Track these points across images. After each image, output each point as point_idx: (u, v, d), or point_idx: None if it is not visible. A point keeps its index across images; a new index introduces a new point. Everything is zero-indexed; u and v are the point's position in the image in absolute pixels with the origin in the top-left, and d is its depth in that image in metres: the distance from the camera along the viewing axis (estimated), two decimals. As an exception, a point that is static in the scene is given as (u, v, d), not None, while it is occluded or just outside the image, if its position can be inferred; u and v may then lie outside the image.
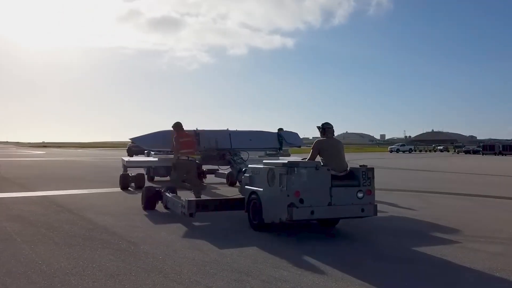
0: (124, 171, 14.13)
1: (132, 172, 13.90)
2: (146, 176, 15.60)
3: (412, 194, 12.38)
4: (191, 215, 7.16)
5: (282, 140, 11.36)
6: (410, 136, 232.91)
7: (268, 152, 11.60)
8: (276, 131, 11.66)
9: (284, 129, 11.78)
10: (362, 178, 6.58)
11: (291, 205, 6.08)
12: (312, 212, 6.20)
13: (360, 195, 6.51)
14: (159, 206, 8.81)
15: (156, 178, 15.71)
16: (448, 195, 12.18)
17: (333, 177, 6.52)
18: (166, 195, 8.42)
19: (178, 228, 7.09)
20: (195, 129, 10.40)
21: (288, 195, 6.10)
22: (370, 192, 6.59)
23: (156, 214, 8.40)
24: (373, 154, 65.33)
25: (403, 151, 75.10)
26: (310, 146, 7.37)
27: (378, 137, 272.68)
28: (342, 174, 6.69)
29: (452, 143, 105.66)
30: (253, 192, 6.99)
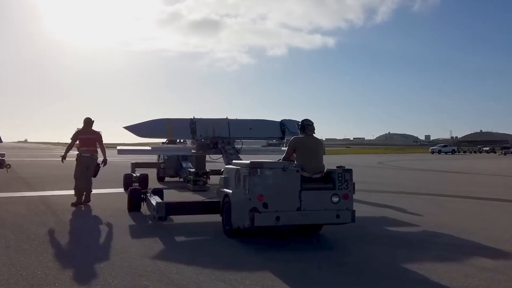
0: (132, 171, 14.03)
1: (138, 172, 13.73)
2: (157, 176, 15.49)
3: (429, 198, 11.46)
4: (160, 218, 6.74)
5: (285, 129, 10.68)
6: (456, 137, 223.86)
7: (270, 142, 11.01)
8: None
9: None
10: (338, 180, 5.91)
11: (253, 210, 5.52)
12: (278, 218, 5.59)
13: (335, 199, 5.85)
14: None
15: (166, 179, 15.50)
16: (470, 200, 11.15)
17: (306, 180, 5.90)
18: (148, 197, 8.05)
19: (152, 234, 6.64)
20: (192, 117, 10.03)
21: (250, 199, 5.55)
22: (347, 196, 5.91)
23: (140, 217, 7.98)
24: (412, 155, 62.94)
25: (445, 152, 71.96)
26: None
27: (422, 138, 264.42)
28: (317, 176, 6.05)
29: (501, 144, 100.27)
30: (226, 194, 6.44)
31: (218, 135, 9.91)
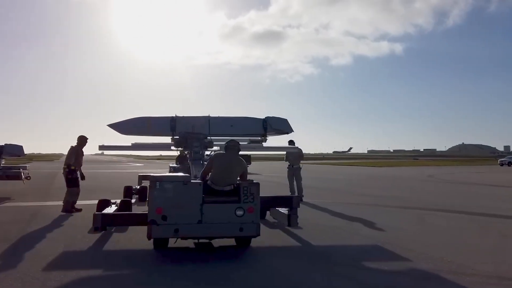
0: (138, 183, 14.57)
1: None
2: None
3: (425, 213, 10.80)
4: (96, 229, 7.03)
5: (267, 126, 10.59)
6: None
7: (251, 139, 10.95)
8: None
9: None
10: (243, 194, 5.90)
11: (151, 222, 5.68)
12: (177, 230, 5.70)
13: (239, 212, 5.84)
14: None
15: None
16: (476, 216, 10.42)
17: (214, 193, 5.99)
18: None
19: (81, 244, 7.00)
20: (174, 115, 10.31)
21: (149, 212, 5.72)
22: (253, 209, 5.88)
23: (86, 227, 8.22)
24: (477, 167, 58.93)
25: (517, 164, 66.43)
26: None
27: (501, 148, 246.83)
28: (226, 189, 6.11)
29: None
30: None
31: (197, 132, 10.03)
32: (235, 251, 6.38)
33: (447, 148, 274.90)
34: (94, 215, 7.04)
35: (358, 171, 38.24)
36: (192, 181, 5.95)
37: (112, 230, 7.81)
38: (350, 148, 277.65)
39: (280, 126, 10.44)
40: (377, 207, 12.05)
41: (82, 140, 10.50)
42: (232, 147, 6.82)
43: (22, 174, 14.05)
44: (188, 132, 9.84)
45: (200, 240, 6.77)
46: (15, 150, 15.40)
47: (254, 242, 6.72)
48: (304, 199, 13.22)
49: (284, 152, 14.03)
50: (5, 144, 15.24)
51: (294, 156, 13.70)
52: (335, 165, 54.55)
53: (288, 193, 13.43)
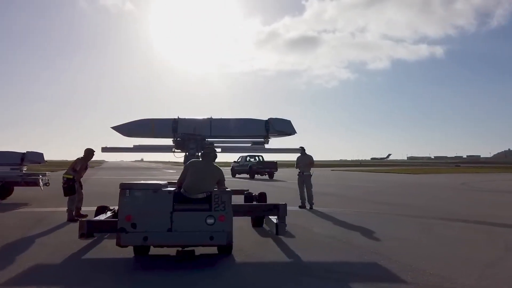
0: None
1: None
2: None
3: (437, 222, 10.33)
4: (82, 235, 7.11)
5: (269, 127, 10.41)
6: None
7: (254, 140, 10.79)
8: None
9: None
10: (214, 202, 5.81)
11: (120, 229, 5.69)
12: (146, 238, 5.67)
13: (210, 221, 5.75)
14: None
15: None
16: (491, 227, 9.86)
17: (186, 201, 5.93)
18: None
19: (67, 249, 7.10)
20: (177, 117, 10.35)
21: (119, 219, 5.73)
22: (224, 218, 5.77)
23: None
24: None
25: None
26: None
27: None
28: (198, 196, 6.02)
29: None
30: None
31: (198, 134, 10.02)
32: (210, 260, 6.28)
33: (492, 155, 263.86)
34: (80, 222, 7.13)
35: (390, 178, 37.23)
36: (163, 189, 5.91)
37: (106, 236, 7.88)
38: (389, 155, 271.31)
39: (283, 127, 10.24)
40: (387, 215, 11.63)
41: (88, 153, 10.72)
42: (207, 154, 6.77)
43: (41, 180, 14.52)
44: (186, 133, 9.85)
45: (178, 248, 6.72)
46: (36, 158, 15.96)
47: (238, 251, 6.66)
48: (315, 206, 12.97)
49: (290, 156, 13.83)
50: (27, 152, 15.83)
51: (304, 163, 13.49)
52: (369, 172, 53.35)
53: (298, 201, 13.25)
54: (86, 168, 10.96)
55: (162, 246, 6.20)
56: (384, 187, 25.08)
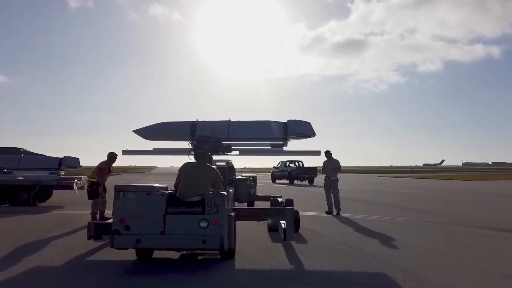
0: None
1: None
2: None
3: (466, 231, 9.70)
4: (90, 237, 7.22)
5: (288, 129, 10.14)
6: None
7: (273, 143, 10.54)
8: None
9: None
10: (208, 205, 5.69)
11: (114, 231, 5.69)
12: (139, 241, 5.64)
13: (203, 224, 5.63)
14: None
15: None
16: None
17: (180, 203, 5.86)
18: None
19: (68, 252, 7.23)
20: (196, 119, 10.37)
21: (113, 221, 5.74)
22: (216, 221, 5.63)
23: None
24: None
25: None
26: None
27: None
28: (192, 199, 5.92)
29: None
30: None
31: (216, 136, 9.97)
32: (209, 264, 6.17)
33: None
34: (88, 224, 7.24)
35: (437, 184, 35.61)
36: (156, 191, 5.87)
37: None
38: (442, 161, 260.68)
39: (302, 129, 9.97)
40: (415, 223, 11.05)
41: (111, 157, 10.95)
42: (201, 155, 6.64)
43: (75, 184, 15.03)
44: (202, 136, 9.83)
45: (183, 252, 6.68)
46: (72, 162, 16.60)
47: (242, 256, 6.54)
48: (342, 212, 12.58)
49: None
50: (64, 157, 16.49)
51: (331, 167, 13.12)
52: (418, 179, 51.34)
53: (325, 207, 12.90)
54: (109, 172, 11.20)
55: (155, 249, 6.17)
56: (425, 193, 24.01)
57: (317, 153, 10.11)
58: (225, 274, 5.70)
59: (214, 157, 10.56)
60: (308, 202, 16.18)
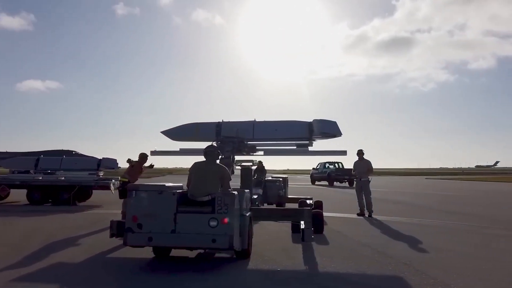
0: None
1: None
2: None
3: (507, 235, 9.20)
4: (112, 235, 7.41)
5: (313, 129, 9.87)
6: None
7: (299, 143, 10.40)
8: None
9: None
10: (217, 204, 5.70)
11: (127, 229, 5.82)
12: (150, 239, 5.73)
13: (213, 223, 5.64)
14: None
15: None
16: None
17: (191, 203, 5.92)
18: None
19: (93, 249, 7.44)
20: (221, 120, 10.46)
21: (127, 219, 5.87)
22: (226, 220, 5.62)
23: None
24: None
25: None
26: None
27: None
28: (204, 199, 5.95)
29: None
30: None
31: (241, 136, 10.02)
32: (221, 264, 6.18)
33: None
34: (110, 222, 7.44)
35: (486, 187, 33.98)
36: (167, 191, 5.95)
37: None
38: (497, 162, 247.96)
39: (328, 129, 9.82)
40: (449, 226, 10.57)
41: (142, 157, 11.20)
42: (210, 153, 6.63)
43: (112, 185, 15.53)
44: (226, 136, 9.89)
45: (200, 251, 6.73)
46: (110, 163, 17.19)
47: (258, 256, 6.50)
48: (375, 214, 12.25)
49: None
50: (102, 158, 17.11)
51: (361, 168, 12.80)
52: (468, 181, 49.18)
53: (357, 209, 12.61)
54: (141, 172, 11.47)
55: (166, 247, 6.24)
56: (473, 196, 22.95)
57: (343, 153, 9.92)
58: (234, 274, 5.67)
59: (239, 157, 10.60)
60: (343, 204, 15.87)
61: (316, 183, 35.64)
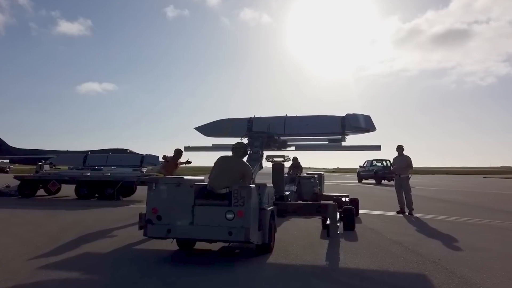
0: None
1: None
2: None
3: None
4: (141, 227, 7.58)
5: (346, 123, 9.61)
6: None
7: (331, 138, 10.14)
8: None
9: None
10: (234, 197, 5.67)
11: (147, 221, 5.93)
12: (169, 231, 5.81)
13: (229, 216, 5.62)
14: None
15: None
16: None
17: (209, 195, 5.96)
18: None
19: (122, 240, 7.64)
20: (253, 116, 10.45)
21: (147, 211, 5.98)
22: (242, 213, 5.58)
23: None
24: None
25: None
26: None
27: None
28: (222, 192, 5.96)
29: None
30: None
31: (272, 131, 9.94)
32: (241, 258, 6.14)
33: None
34: (139, 214, 7.63)
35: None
36: (185, 183, 5.99)
37: None
38: None
39: (362, 123, 9.55)
40: (496, 225, 9.93)
41: (177, 153, 11.43)
42: (236, 150, 6.68)
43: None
44: (256, 132, 9.86)
45: (224, 244, 6.73)
46: (152, 160, 17.68)
47: (282, 251, 6.45)
48: (415, 212, 11.78)
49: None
50: (145, 155, 17.63)
51: (400, 164, 12.31)
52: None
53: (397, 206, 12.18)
54: (176, 167, 11.68)
55: (184, 240, 6.28)
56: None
57: (377, 148, 9.61)
58: (252, 267, 5.62)
59: (271, 153, 10.53)
60: (386, 202, 15.37)
61: (363, 181, 34.78)
